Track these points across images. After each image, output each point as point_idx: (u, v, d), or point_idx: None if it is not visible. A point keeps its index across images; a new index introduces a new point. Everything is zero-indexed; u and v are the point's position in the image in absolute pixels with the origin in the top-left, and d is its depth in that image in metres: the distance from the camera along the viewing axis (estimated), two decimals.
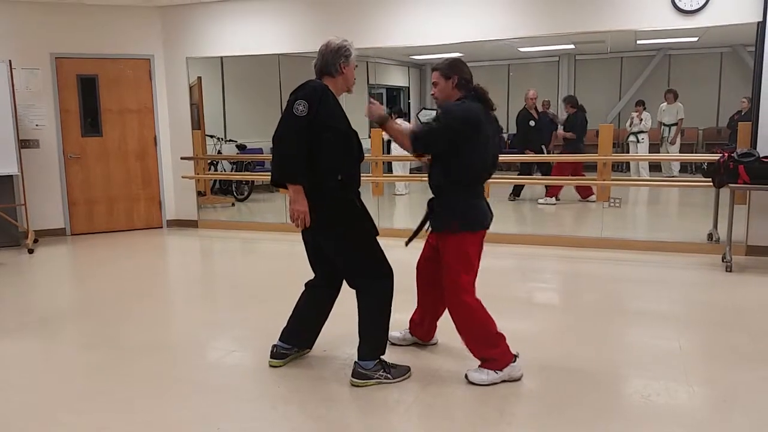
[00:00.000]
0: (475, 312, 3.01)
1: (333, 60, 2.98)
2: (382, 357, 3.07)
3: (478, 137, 2.95)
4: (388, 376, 3.02)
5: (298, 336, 3.31)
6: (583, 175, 7.41)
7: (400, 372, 3.08)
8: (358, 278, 3.05)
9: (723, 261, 5.13)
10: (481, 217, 3.05)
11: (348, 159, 2.99)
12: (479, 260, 3.11)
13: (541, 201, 8.22)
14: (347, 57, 3.00)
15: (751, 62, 5.50)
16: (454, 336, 3.52)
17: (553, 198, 8.11)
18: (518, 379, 3.00)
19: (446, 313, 3.23)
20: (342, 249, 3.00)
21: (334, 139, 2.90)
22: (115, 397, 2.98)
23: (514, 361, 3.01)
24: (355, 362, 3.04)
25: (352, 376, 3.02)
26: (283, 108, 2.92)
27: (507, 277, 5.22)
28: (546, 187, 8.20)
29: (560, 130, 8.29)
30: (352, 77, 3.06)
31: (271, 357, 3.27)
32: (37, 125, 7.07)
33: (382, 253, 3.06)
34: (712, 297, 4.53)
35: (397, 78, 10.66)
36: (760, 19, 5.22)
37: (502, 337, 3.04)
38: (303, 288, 3.29)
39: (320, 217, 2.92)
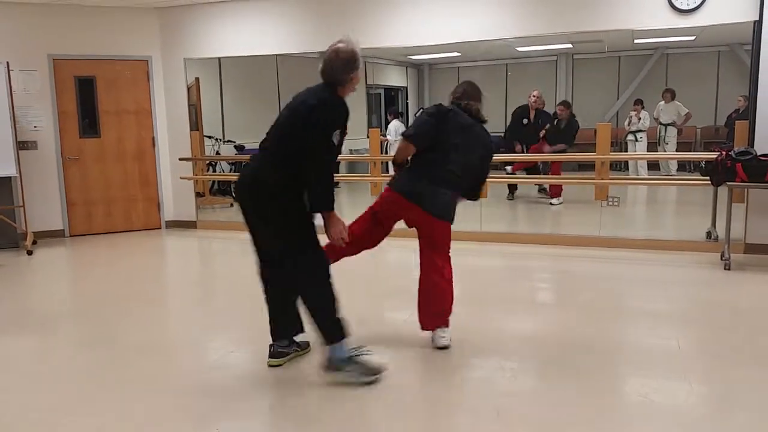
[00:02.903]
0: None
1: (344, 72, 2.95)
2: (357, 355, 3.01)
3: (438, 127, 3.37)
4: (357, 373, 2.97)
5: (286, 327, 3.30)
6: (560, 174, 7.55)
7: (372, 371, 3.02)
8: (294, 256, 2.99)
9: (721, 259, 5.14)
10: (401, 181, 3.42)
11: None
12: (379, 211, 3.47)
13: (555, 202, 8.16)
14: (357, 68, 2.98)
15: (748, 61, 5.52)
16: (460, 334, 3.53)
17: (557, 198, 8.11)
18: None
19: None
20: (284, 229, 2.98)
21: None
22: (113, 398, 2.98)
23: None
24: (324, 349, 3.01)
25: (322, 366, 3.01)
26: (295, 110, 2.91)
27: (505, 276, 5.23)
28: (544, 186, 8.23)
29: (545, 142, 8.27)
30: (357, 81, 3.05)
31: (270, 357, 3.26)
32: (35, 127, 7.07)
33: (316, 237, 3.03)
34: (711, 295, 4.53)
35: (395, 78, 10.65)
36: (757, 18, 5.23)
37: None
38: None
39: (281, 210, 2.94)
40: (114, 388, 3.10)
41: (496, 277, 5.19)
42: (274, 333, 3.29)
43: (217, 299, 4.90)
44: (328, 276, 3.02)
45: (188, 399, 2.96)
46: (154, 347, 3.69)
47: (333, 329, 3.00)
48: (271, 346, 3.28)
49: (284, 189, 2.93)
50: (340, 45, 2.98)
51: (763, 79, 5.22)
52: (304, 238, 2.98)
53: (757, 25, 5.23)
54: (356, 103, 9.88)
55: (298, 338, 3.37)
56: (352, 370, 2.98)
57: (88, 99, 7.31)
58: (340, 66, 2.94)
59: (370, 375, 3.01)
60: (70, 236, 7.32)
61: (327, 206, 2.93)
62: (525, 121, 8.26)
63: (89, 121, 7.35)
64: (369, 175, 6.80)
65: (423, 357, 3.38)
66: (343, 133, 2.94)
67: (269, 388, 3.02)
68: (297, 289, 3.06)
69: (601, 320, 3.95)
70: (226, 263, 6.23)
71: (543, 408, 2.77)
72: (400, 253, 5.78)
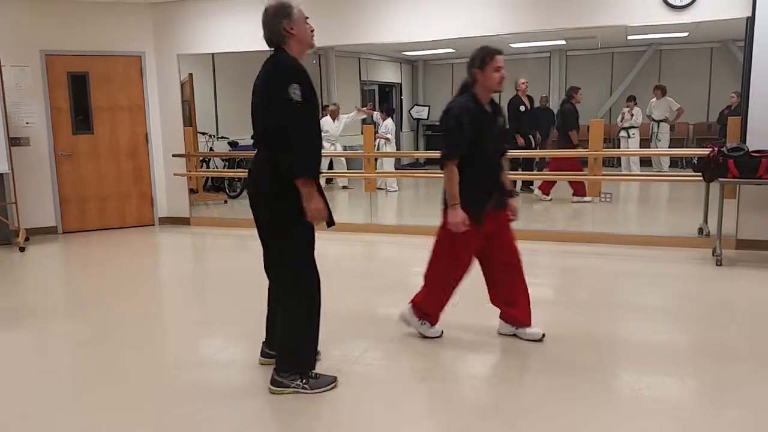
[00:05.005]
0: None
1: (278, 24, 2.71)
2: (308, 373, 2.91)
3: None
4: (306, 386, 2.86)
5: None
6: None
7: (322, 383, 2.90)
8: (286, 268, 2.84)
9: (713, 255, 5.17)
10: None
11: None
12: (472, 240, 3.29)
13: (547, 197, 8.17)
14: (289, 15, 2.71)
15: (740, 57, 5.55)
16: (457, 330, 3.54)
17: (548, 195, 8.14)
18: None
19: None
20: (285, 234, 2.78)
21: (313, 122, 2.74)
22: (107, 396, 2.97)
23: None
24: (274, 369, 2.90)
25: (270, 383, 2.90)
26: (257, 92, 2.72)
27: None
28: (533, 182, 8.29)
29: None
30: (306, 32, 2.78)
31: (261, 356, 3.25)
32: (27, 123, 7.03)
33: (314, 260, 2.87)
34: (703, 291, 4.56)
35: (389, 74, 10.65)
36: (749, 15, 5.26)
37: None
38: None
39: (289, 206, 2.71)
40: (107, 385, 3.10)
41: None
42: (268, 336, 3.23)
43: (211, 296, 4.90)
44: (315, 301, 2.86)
45: (181, 396, 2.95)
46: (147, 344, 3.68)
47: (291, 359, 2.86)
48: (263, 344, 3.27)
49: (283, 188, 2.67)
50: (266, 4, 2.75)
51: (756, 75, 5.25)
52: (298, 247, 2.80)
53: (750, 21, 5.26)
54: (351, 99, 9.92)
55: None
56: (298, 384, 2.86)
57: (81, 95, 7.27)
58: (271, 22, 2.72)
59: (318, 388, 2.89)
60: (63, 233, 7.29)
61: (301, 171, 2.61)
62: (522, 108, 8.25)
63: (82, 118, 7.32)
64: (363, 171, 6.81)
65: (420, 353, 3.39)
66: (308, 91, 2.63)
67: (263, 384, 3.02)
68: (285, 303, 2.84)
69: (594, 316, 3.98)
70: (219, 260, 6.22)
71: (538, 403, 2.78)
72: (396, 249, 5.79)
